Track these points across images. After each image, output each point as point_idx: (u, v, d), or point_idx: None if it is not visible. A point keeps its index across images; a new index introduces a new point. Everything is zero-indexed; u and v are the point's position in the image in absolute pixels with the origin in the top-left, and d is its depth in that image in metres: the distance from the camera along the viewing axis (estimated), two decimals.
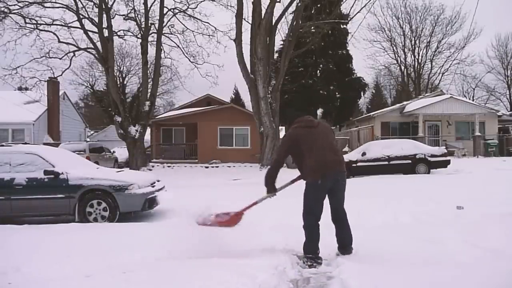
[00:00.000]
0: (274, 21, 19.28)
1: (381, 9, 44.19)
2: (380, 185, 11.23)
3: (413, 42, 40.51)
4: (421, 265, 3.96)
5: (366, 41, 45.67)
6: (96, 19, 20.15)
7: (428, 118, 24.83)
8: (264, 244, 4.76)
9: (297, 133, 4.24)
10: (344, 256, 4.30)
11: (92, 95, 46.18)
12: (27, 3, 18.94)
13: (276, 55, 24.36)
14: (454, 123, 25.35)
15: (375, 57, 47.57)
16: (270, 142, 18.29)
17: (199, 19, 21.87)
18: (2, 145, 7.89)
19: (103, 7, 19.89)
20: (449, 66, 40.96)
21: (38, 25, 19.66)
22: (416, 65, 41.25)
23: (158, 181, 8.08)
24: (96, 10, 20.21)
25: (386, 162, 14.28)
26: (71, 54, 20.95)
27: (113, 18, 20.65)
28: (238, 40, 18.78)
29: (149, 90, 21.31)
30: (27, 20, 19.37)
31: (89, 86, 42.96)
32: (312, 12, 23.54)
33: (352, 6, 37.48)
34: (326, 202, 4.34)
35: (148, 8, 20.95)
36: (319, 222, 4.23)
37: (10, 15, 18.90)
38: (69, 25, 20.42)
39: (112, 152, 24.49)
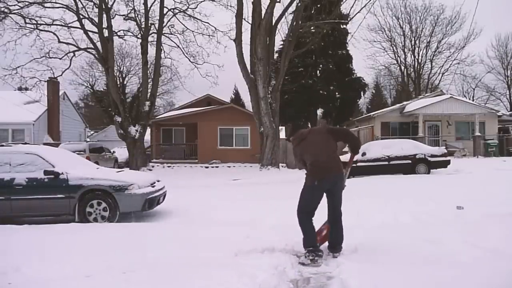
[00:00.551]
0: (274, 21, 19.26)
1: (381, 9, 44.27)
2: (380, 185, 11.24)
3: (413, 42, 40.54)
4: (421, 265, 3.96)
5: (366, 41, 45.74)
6: (96, 19, 20.14)
7: (428, 118, 24.84)
8: (264, 244, 4.76)
9: (296, 150, 4.75)
10: (344, 256, 4.34)
11: (92, 95, 46.20)
12: (27, 3, 18.93)
13: (276, 55, 24.35)
14: (454, 123, 25.35)
15: (375, 57, 47.73)
16: (270, 142, 18.27)
17: (199, 19, 21.88)
18: (2, 145, 7.89)
19: (103, 7, 19.89)
20: (449, 66, 41.03)
21: (38, 25, 19.64)
22: (416, 65, 41.28)
23: (158, 181, 8.08)
24: (96, 10, 20.20)
25: (386, 162, 14.29)
26: (71, 54, 20.92)
27: (113, 18, 20.65)
28: (238, 40, 18.77)
29: (149, 90, 21.30)
30: (27, 20, 19.35)
31: (89, 86, 43.03)
32: (312, 12, 23.51)
33: (352, 6, 37.58)
34: (324, 204, 4.44)
35: (148, 8, 20.95)
36: (312, 218, 4.43)
37: (10, 15, 18.89)
38: (69, 25, 20.40)
39: (112, 152, 24.49)
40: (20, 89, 23.37)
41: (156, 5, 21.23)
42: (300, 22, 20.19)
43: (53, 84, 25.30)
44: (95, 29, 20.21)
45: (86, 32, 20.11)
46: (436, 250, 4.44)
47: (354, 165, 14.31)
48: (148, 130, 24.01)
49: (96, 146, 22.28)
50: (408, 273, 3.69)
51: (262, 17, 18.24)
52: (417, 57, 40.94)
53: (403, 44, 40.84)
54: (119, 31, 22.51)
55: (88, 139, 33.92)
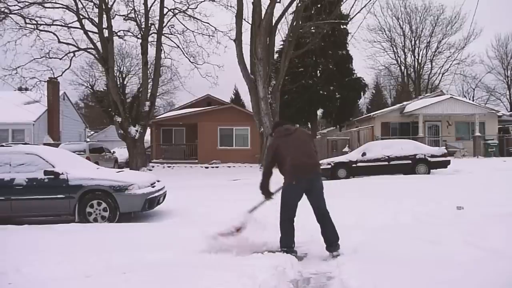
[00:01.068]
0: (274, 21, 19.26)
1: (381, 10, 44.03)
2: (380, 185, 11.22)
3: (413, 42, 40.57)
4: (421, 265, 3.96)
5: (366, 41, 45.84)
6: (96, 20, 20.16)
7: (428, 119, 24.82)
8: (264, 244, 4.75)
9: (277, 143, 4.59)
10: (344, 256, 4.33)
11: (92, 96, 46.19)
12: (27, 3, 18.95)
13: (276, 56, 24.34)
14: (454, 124, 25.32)
15: (375, 57, 47.78)
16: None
17: (199, 20, 21.90)
18: (2, 145, 7.90)
19: (103, 7, 19.90)
20: (449, 66, 41.05)
21: (38, 26, 19.66)
22: (416, 65, 41.30)
23: (158, 181, 8.08)
24: (96, 10, 20.23)
25: (386, 163, 14.27)
26: (71, 54, 20.95)
27: (113, 18, 20.67)
28: (238, 41, 18.77)
29: (149, 91, 21.32)
30: (27, 21, 19.38)
31: (89, 87, 43.04)
32: (312, 12, 23.51)
33: (352, 7, 37.54)
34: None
35: (148, 9, 20.98)
36: (294, 219, 4.52)
37: (10, 15, 18.91)
38: (69, 25, 20.43)
39: (112, 152, 24.47)
40: (20, 89, 23.35)
41: (156, 5, 21.30)
42: (300, 22, 20.20)
43: (53, 84, 25.28)
44: (95, 29, 20.24)
45: (86, 32, 20.12)
46: (436, 250, 4.44)
47: (354, 165, 14.35)
48: (148, 130, 24.03)
49: (96, 146, 22.27)
50: (408, 274, 3.69)
51: (262, 17, 18.24)
52: (417, 57, 41.02)
53: (403, 44, 40.90)
54: (119, 31, 22.57)
55: (88, 139, 33.91)
